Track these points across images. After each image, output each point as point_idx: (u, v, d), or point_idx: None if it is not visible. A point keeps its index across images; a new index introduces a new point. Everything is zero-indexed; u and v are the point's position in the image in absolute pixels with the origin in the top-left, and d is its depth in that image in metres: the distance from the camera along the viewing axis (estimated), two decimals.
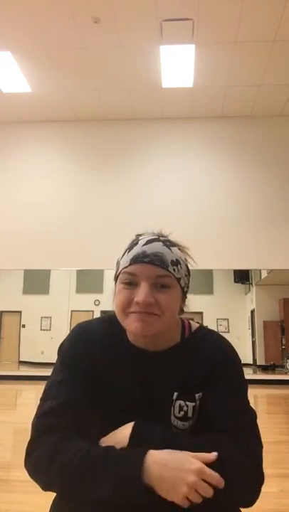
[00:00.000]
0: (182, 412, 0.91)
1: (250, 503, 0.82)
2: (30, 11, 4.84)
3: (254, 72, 6.01)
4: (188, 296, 0.97)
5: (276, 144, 7.24)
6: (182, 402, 0.91)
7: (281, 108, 6.99)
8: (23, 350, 10.50)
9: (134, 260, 0.88)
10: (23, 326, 10.75)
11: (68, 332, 1.00)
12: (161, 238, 0.93)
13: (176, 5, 4.77)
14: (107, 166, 7.40)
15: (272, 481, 2.43)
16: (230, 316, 10.58)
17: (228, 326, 10.41)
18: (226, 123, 7.30)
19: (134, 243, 0.92)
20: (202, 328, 1.01)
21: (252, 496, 0.81)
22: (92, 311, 9.65)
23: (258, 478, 0.82)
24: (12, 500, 2.07)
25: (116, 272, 0.95)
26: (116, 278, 0.95)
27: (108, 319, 0.98)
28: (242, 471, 0.80)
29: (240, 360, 0.97)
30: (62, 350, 0.94)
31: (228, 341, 0.98)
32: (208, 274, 9.47)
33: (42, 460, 0.80)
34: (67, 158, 7.51)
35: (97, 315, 9.57)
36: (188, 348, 0.95)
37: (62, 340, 0.98)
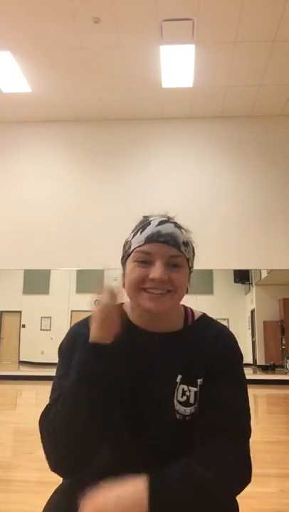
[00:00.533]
0: (185, 397, 0.91)
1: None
2: (30, 11, 4.84)
3: (254, 72, 6.01)
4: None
5: (276, 144, 7.24)
6: (185, 387, 0.92)
7: (281, 108, 6.99)
8: (23, 350, 10.50)
9: (149, 239, 0.92)
10: (23, 326, 10.74)
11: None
12: (171, 220, 0.99)
13: (176, 5, 4.77)
14: (107, 166, 7.40)
15: (273, 481, 2.43)
16: (230, 316, 10.57)
17: (228, 326, 10.39)
18: (225, 123, 7.29)
19: (146, 223, 0.96)
20: (206, 317, 1.03)
21: (234, 493, 0.88)
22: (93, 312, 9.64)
23: (245, 480, 0.89)
24: (12, 500, 2.07)
25: (125, 252, 0.98)
26: (125, 258, 0.97)
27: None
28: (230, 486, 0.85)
29: (242, 355, 0.98)
30: (61, 347, 0.97)
31: (232, 333, 1.00)
32: (208, 274, 9.47)
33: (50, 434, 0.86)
34: (67, 158, 7.51)
35: None
36: (191, 334, 0.97)
37: (62, 340, 0.99)
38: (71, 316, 10.03)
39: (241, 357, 0.97)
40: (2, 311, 10.68)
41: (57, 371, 0.95)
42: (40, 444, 0.90)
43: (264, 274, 9.30)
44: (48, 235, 7.17)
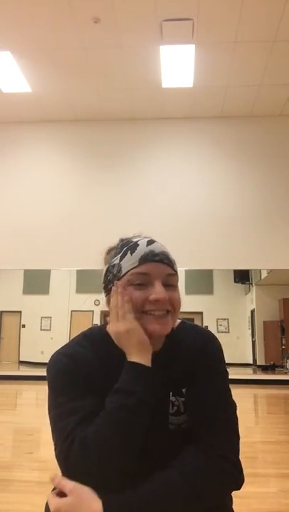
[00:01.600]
0: (175, 408, 0.91)
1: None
2: (30, 11, 4.84)
3: (254, 72, 6.01)
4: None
5: (276, 143, 7.24)
6: (174, 398, 0.92)
7: (281, 108, 7.00)
8: (23, 350, 10.50)
9: (144, 260, 0.90)
10: (23, 326, 10.75)
11: (67, 335, 0.98)
12: (154, 239, 0.96)
13: (176, 5, 4.77)
14: (107, 166, 7.40)
15: (272, 481, 2.44)
16: (230, 316, 10.59)
17: (228, 326, 10.41)
18: (225, 123, 7.30)
19: (132, 245, 0.93)
20: (184, 323, 1.01)
21: (226, 494, 0.87)
22: (92, 311, 9.66)
23: (235, 479, 0.85)
24: (12, 500, 2.07)
25: (114, 277, 0.93)
26: (112, 283, 0.92)
27: (83, 338, 0.96)
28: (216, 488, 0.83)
29: (221, 350, 0.98)
30: (52, 373, 0.90)
31: (209, 333, 0.99)
32: (208, 274, 9.47)
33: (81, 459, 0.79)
34: (67, 158, 7.52)
35: (97, 315, 9.57)
36: (172, 345, 0.95)
37: (62, 340, 0.97)
38: (71, 316, 10.04)
39: (219, 353, 0.97)
40: (2, 311, 10.68)
41: (55, 396, 0.88)
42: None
43: (264, 274, 9.31)
44: (48, 235, 7.17)
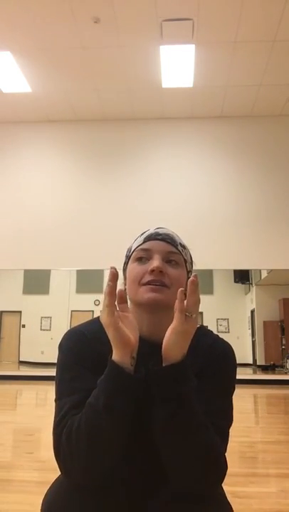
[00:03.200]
0: None
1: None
2: (30, 11, 4.84)
3: (254, 72, 6.01)
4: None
5: (276, 143, 7.24)
6: None
7: (281, 108, 7.00)
8: (23, 350, 10.51)
9: (148, 238, 0.98)
10: (23, 326, 10.75)
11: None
12: (166, 228, 1.04)
13: (176, 5, 4.77)
14: (107, 166, 7.40)
15: (272, 481, 2.44)
16: (230, 316, 10.59)
17: (228, 326, 10.42)
18: (225, 123, 7.30)
19: (145, 231, 1.02)
20: (202, 327, 1.02)
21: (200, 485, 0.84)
22: (92, 311, 9.66)
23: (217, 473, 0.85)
24: (12, 501, 2.07)
25: (127, 257, 1.01)
26: (127, 263, 1.00)
27: (99, 319, 0.97)
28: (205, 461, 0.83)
29: (236, 366, 0.98)
30: (63, 348, 0.94)
31: (228, 343, 1.01)
32: (208, 274, 9.47)
33: (67, 448, 0.81)
34: (67, 158, 7.52)
35: (97, 315, 9.57)
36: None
37: (63, 339, 0.98)
38: (71, 316, 10.04)
39: (234, 366, 0.97)
40: (2, 311, 10.69)
41: (60, 372, 0.92)
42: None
43: (264, 274, 9.31)
44: (48, 234, 7.17)
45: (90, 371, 0.89)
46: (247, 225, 7.04)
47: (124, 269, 1.01)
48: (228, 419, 0.93)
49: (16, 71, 6.00)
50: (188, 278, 0.96)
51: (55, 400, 0.89)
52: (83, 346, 0.93)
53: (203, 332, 1.01)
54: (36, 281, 10.21)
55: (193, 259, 1.04)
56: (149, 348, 0.92)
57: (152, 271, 0.92)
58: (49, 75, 6.12)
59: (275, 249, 6.99)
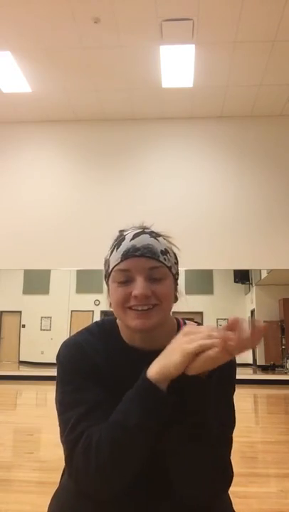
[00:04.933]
0: None
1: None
2: (30, 11, 4.84)
3: (254, 72, 6.01)
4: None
5: (276, 143, 7.24)
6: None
7: (281, 108, 6.99)
8: (23, 350, 10.51)
9: (125, 255, 0.89)
10: (23, 326, 10.75)
11: (67, 335, 0.99)
12: (146, 230, 0.94)
13: (176, 5, 4.77)
14: (107, 166, 7.40)
15: (272, 481, 2.43)
16: (230, 316, 10.58)
17: None
18: (225, 123, 7.30)
19: (120, 239, 0.93)
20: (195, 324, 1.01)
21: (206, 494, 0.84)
22: (92, 311, 9.66)
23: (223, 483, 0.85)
24: (12, 501, 2.07)
25: (107, 271, 0.94)
26: (107, 277, 0.94)
27: (96, 327, 0.98)
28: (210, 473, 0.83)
29: (236, 366, 0.97)
30: (61, 360, 0.91)
31: None
32: (208, 274, 9.47)
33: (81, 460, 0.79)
34: (67, 158, 7.52)
35: (97, 315, 9.57)
36: None
37: (61, 340, 0.97)
38: (71, 316, 10.04)
39: (235, 368, 0.96)
40: (2, 311, 10.69)
41: (62, 386, 0.89)
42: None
43: (264, 274, 9.30)
44: (48, 235, 7.17)
45: (90, 382, 0.87)
46: (247, 225, 7.04)
47: (106, 284, 0.94)
48: (233, 425, 0.92)
49: (16, 71, 6.00)
50: (176, 280, 0.94)
51: (59, 415, 0.86)
52: (82, 357, 0.90)
53: None
54: (36, 281, 10.20)
55: (177, 257, 0.98)
56: (140, 355, 0.91)
57: (135, 297, 0.86)
58: (49, 75, 6.11)
59: (275, 249, 6.99)
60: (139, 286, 0.86)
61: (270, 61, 5.75)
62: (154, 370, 0.77)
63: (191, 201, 7.14)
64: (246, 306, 10.99)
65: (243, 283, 10.72)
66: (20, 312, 10.72)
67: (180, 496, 0.84)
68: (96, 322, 0.99)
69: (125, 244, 0.90)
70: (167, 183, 7.22)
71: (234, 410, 0.94)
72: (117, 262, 0.90)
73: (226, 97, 6.70)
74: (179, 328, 0.98)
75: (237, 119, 7.26)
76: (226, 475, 0.85)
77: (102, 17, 4.94)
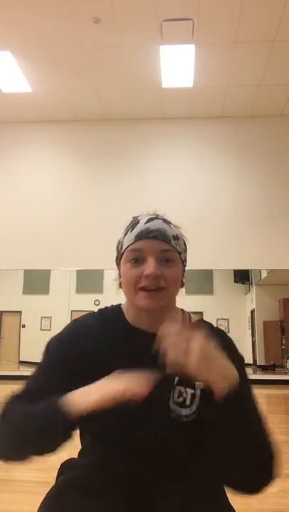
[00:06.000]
0: (181, 398, 0.91)
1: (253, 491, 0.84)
2: (30, 11, 4.84)
3: (254, 72, 6.01)
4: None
5: (276, 143, 7.24)
6: (182, 388, 0.92)
7: (281, 108, 6.99)
8: (23, 350, 10.51)
9: (139, 237, 0.93)
10: (23, 326, 10.75)
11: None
12: (159, 216, 1.00)
13: (176, 5, 4.76)
14: (107, 166, 7.40)
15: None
16: (230, 316, 10.57)
17: (228, 326, 10.41)
18: (226, 123, 7.29)
19: (135, 223, 0.98)
20: (202, 321, 1.04)
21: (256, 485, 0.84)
22: (92, 311, 9.66)
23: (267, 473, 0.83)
24: (12, 500, 2.07)
25: (118, 253, 0.99)
26: (119, 259, 0.98)
27: (98, 312, 1.02)
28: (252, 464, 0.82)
29: (233, 341, 1.01)
30: (50, 342, 0.98)
31: (225, 333, 1.02)
32: (208, 274, 9.47)
33: None
34: (67, 158, 7.52)
35: None
36: None
37: (55, 336, 1.01)
38: (71, 316, 10.03)
39: (243, 359, 0.98)
40: (2, 311, 10.69)
41: (38, 365, 0.95)
42: None
43: (264, 274, 9.30)
44: (48, 235, 7.16)
45: (63, 370, 0.90)
46: (247, 224, 7.04)
47: (118, 264, 0.99)
48: (254, 399, 0.90)
49: (16, 71, 6.00)
50: (184, 266, 0.98)
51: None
52: (70, 346, 0.94)
53: (204, 324, 1.01)
54: (36, 281, 10.21)
55: (186, 246, 1.02)
56: (144, 337, 0.93)
57: (146, 276, 0.90)
58: (49, 75, 6.11)
59: (275, 249, 6.99)
60: (150, 266, 0.90)
61: (270, 61, 5.75)
62: (73, 397, 0.79)
63: (192, 201, 7.14)
64: (246, 306, 10.99)
65: (243, 283, 10.72)
66: (20, 312, 10.72)
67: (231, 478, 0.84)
68: (100, 309, 1.04)
69: (139, 227, 0.95)
70: (167, 183, 7.22)
71: (250, 385, 0.92)
72: (130, 242, 0.94)
73: (226, 97, 6.70)
74: (183, 317, 1.01)
75: (237, 119, 7.26)
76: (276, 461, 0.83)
77: (102, 17, 4.94)
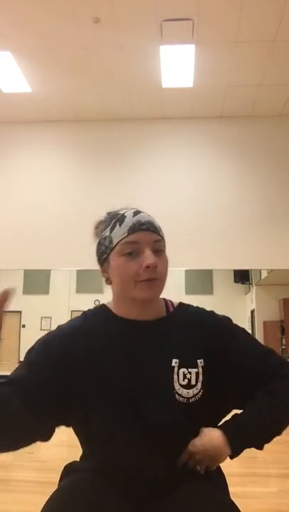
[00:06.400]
0: (186, 380, 0.92)
1: None
2: (30, 11, 4.84)
3: (254, 72, 6.01)
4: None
5: (276, 143, 7.24)
6: (185, 370, 0.93)
7: (281, 108, 6.99)
8: (23, 350, 10.50)
9: (132, 229, 0.96)
10: (23, 326, 10.76)
11: None
12: (139, 209, 1.06)
13: (176, 5, 4.76)
14: (107, 166, 7.40)
15: (272, 481, 2.44)
16: (230, 316, 10.58)
17: None
18: (226, 123, 7.29)
19: (119, 217, 1.01)
20: (183, 304, 1.08)
21: None
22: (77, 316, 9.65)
23: None
24: (12, 500, 2.07)
25: (106, 248, 1.00)
26: (107, 254, 0.99)
27: (82, 315, 1.06)
28: None
29: (227, 318, 1.08)
30: (35, 347, 1.00)
31: (210, 310, 1.08)
32: (208, 274, 9.48)
33: None
34: (67, 158, 7.51)
35: None
36: (176, 318, 1.00)
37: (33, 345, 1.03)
38: (71, 316, 10.03)
39: (229, 320, 1.05)
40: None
41: (28, 357, 0.99)
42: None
43: (264, 274, 9.31)
44: (48, 234, 7.16)
45: (39, 368, 0.93)
46: (247, 225, 7.04)
47: (104, 259, 1.00)
48: (271, 352, 0.99)
49: (16, 71, 6.00)
50: None
51: None
52: (52, 348, 0.96)
53: (186, 307, 1.06)
54: (36, 281, 10.21)
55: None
56: (136, 325, 0.95)
57: (147, 267, 0.91)
58: (49, 75, 6.11)
59: (275, 249, 6.98)
60: (150, 257, 0.93)
61: (270, 61, 5.75)
62: None
63: (191, 201, 7.14)
64: (246, 306, 10.99)
65: (243, 283, 10.72)
66: (20, 312, 10.72)
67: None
68: (83, 311, 1.08)
69: (130, 220, 0.98)
70: (167, 183, 7.22)
71: (257, 342, 1.01)
72: (124, 236, 0.96)
73: (226, 97, 6.70)
74: (166, 303, 1.04)
75: (237, 119, 7.26)
76: None
77: (102, 17, 4.94)
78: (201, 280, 9.78)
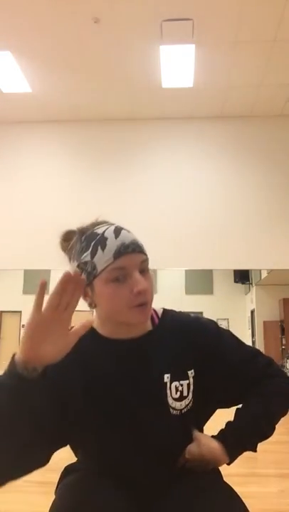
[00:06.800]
0: (178, 393, 0.92)
1: None
2: (30, 10, 4.84)
3: (254, 72, 6.01)
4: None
5: (276, 143, 7.24)
6: (177, 383, 0.92)
7: (281, 108, 6.99)
8: None
9: (118, 254, 0.90)
10: (23, 326, 10.74)
11: None
12: (117, 226, 0.99)
13: (176, 5, 4.76)
14: (106, 166, 7.40)
15: (272, 481, 2.44)
16: (230, 316, 10.58)
17: (228, 326, 10.42)
18: (226, 123, 7.29)
19: (100, 239, 0.94)
20: (167, 311, 1.04)
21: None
22: (92, 311, 9.66)
23: None
24: (12, 500, 2.06)
25: (90, 274, 0.94)
26: (91, 280, 0.94)
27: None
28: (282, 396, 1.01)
29: (214, 321, 1.06)
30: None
31: (195, 316, 1.05)
32: (208, 274, 9.48)
33: None
34: (67, 158, 7.51)
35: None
36: (164, 329, 0.98)
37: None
38: None
39: (215, 324, 1.03)
40: (2, 311, 10.69)
41: None
42: None
43: (264, 274, 9.31)
44: (49, 234, 7.09)
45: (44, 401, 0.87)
46: (247, 225, 7.04)
47: (85, 286, 0.94)
48: (258, 353, 1.02)
49: (16, 71, 6.00)
50: None
51: None
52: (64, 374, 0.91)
53: (170, 315, 1.02)
54: (36, 281, 10.20)
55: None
56: (123, 344, 0.94)
57: (139, 293, 0.88)
58: (49, 74, 6.11)
59: (275, 249, 6.99)
60: (141, 282, 0.89)
61: (270, 61, 5.75)
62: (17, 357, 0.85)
63: (192, 201, 7.14)
64: (246, 306, 10.99)
65: (243, 283, 10.73)
66: (20, 312, 10.72)
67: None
68: None
69: (113, 243, 0.91)
70: (167, 183, 7.22)
71: (245, 346, 1.03)
72: (109, 262, 0.90)
73: (226, 97, 6.70)
74: (151, 317, 1.01)
75: (237, 119, 7.26)
76: None
77: (102, 17, 4.94)
78: (201, 280, 9.78)
